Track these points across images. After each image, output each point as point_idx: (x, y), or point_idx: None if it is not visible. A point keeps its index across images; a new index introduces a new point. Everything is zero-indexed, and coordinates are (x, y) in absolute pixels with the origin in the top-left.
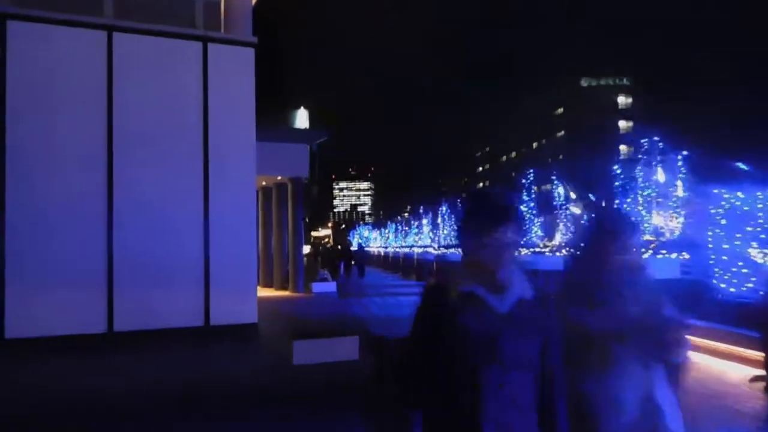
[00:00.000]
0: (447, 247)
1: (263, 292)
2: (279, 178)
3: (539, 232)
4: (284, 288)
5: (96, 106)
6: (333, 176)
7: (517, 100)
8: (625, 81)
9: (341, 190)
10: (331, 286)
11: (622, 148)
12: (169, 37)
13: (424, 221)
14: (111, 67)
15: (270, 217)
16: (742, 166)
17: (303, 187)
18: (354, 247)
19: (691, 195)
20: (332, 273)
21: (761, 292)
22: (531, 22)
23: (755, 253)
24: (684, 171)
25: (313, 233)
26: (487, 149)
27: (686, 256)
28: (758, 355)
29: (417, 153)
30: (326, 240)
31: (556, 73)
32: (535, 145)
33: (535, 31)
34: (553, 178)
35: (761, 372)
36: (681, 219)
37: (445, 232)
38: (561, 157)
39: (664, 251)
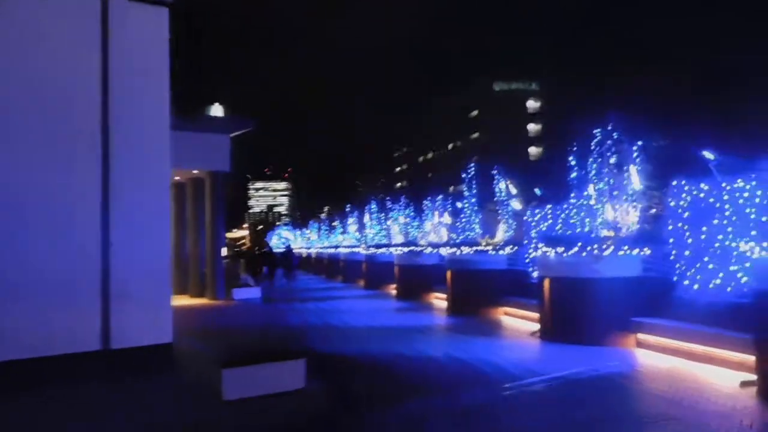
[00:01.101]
0: (377, 246)
1: (177, 300)
2: (195, 172)
3: (479, 230)
4: (201, 295)
5: None
6: (248, 176)
7: (434, 102)
8: (533, 86)
9: (257, 190)
10: (254, 292)
11: (531, 150)
12: None
13: (351, 220)
14: None
15: (184, 215)
16: (708, 154)
17: (223, 183)
18: (279, 249)
19: (648, 187)
20: (255, 278)
21: (746, 290)
22: (448, 26)
23: (744, 247)
24: (640, 162)
25: (228, 235)
26: (405, 150)
27: (647, 251)
28: (741, 357)
29: (335, 154)
30: (242, 242)
31: (470, 77)
32: (450, 146)
33: (451, 35)
34: (494, 173)
35: (749, 376)
36: (637, 213)
37: (375, 230)
38: (475, 158)
39: (626, 247)
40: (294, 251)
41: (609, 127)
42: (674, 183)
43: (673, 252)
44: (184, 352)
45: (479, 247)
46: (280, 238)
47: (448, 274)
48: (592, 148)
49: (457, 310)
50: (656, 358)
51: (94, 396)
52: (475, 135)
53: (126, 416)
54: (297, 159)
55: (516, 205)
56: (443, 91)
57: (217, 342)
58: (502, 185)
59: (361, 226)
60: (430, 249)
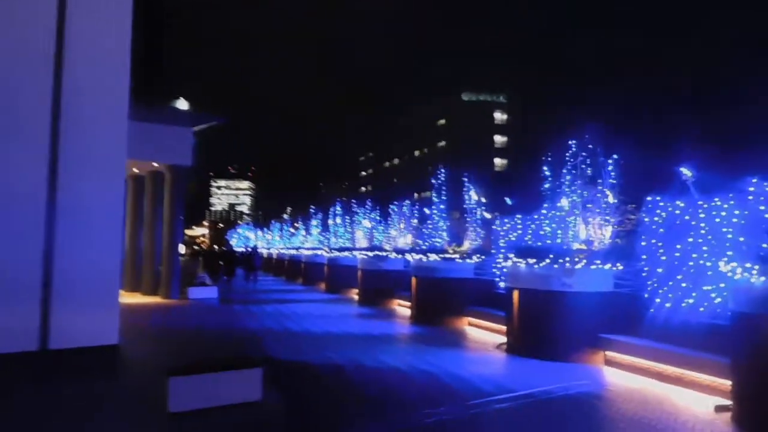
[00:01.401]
0: (340, 250)
1: (129, 298)
2: (155, 165)
3: (446, 237)
4: (155, 293)
5: None
6: (211, 173)
7: (403, 109)
8: (501, 98)
9: (219, 188)
10: (211, 292)
11: (497, 161)
12: None
13: (314, 222)
14: None
15: (141, 209)
16: (685, 171)
17: (184, 178)
18: (239, 248)
19: (622, 201)
20: (213, 277)
21: (719, 311)
22: (421, 36)
23: (725, 267)
24: (615, 175)
25: (188, 232)
26: (371, 155)
27: (620, 267)
28: (715, 381)
29: (300, 156)
30: (201, 239)
31: (441, 86)
32: (417, 153)
33: (422, 43)
34: (465, 179)
35: (724, 400)
36: (610, 227)
37: (339, 233)
38: (442, 167)
39: (598, 261)
40: (258, 252)
41: (584, 139)
42: (649, 198)
43: (646, 269)
44: (129, 355)
45: (446, 255)
46: (240, 238)
47: (413, 281)
48: (567, 159)
49: (421, 319)
50: (626, 377)
51: (19, 402)
52: (442, 143)
53: (54, 427)
54: (262, 159)
55: (485, 214)
56: (415, 99)
57: (167, 345)
58: (472, 194)
59: (325, 229)
60: (395, 254)
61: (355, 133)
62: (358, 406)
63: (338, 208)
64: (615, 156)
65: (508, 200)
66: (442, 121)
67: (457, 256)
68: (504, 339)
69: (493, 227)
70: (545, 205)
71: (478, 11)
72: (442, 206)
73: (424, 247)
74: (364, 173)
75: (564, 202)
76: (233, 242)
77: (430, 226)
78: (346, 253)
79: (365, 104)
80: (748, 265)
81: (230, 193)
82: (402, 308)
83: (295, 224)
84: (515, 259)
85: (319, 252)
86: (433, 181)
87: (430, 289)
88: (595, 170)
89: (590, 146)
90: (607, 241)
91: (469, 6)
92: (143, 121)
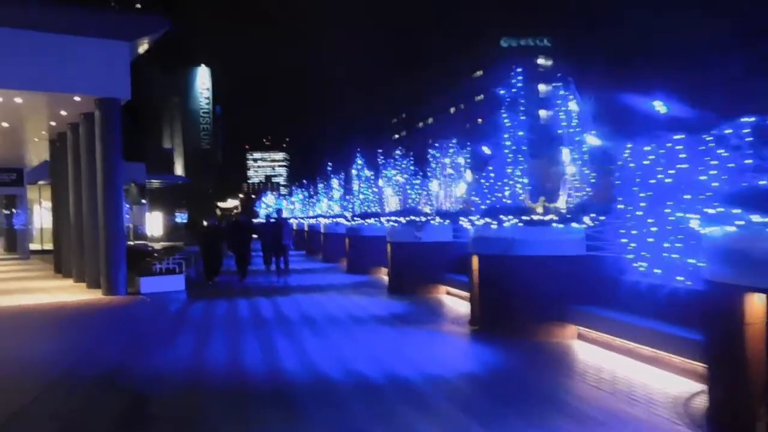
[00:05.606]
0: (363, 216)
1: (65, 295)
2: (77, 99)
3: (521, 189)
4: (99, 285)
5: None
6: (246, 146)
7: (435, 63)
8: (545, 42)
9: (255, 160)
10: (176, 283)
11: (542, 112)
12: None
13: (334, 183)
14: None
15: (78, 170)
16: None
17: (119, 116)
18: (259, 219)
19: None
20: (208, 265)
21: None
22: None
23: None
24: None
25: (221, 204)
26: (404, 116)
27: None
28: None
29: (332, 123)
30: (235, 211)
31: (475, 34)
32: (453, 109)
33: None
34: (566, 94)
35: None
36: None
37: (362, 197)
38: (480, 120)
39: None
40: (287, 221)
41: None
42: None
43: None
44: None
45: (533, 217)
46: (267, 207)
47: (474, 260)
48: None
49: (490, 327)
50: None
51: None
52: (480, 97)
53: None
54: (296, 129)
55: (593, 141)
56: (448, 51)
57: None
58: (572, 104)
59: (348, 191)
60: (438, 219)
61: (384, 94)
62: None
63: (359, 162)
64: None
65: (661, 105)
66: (479, 73)
67: (552, 217)
68: (692, 386)
69: (619, 163)
70: None
71: None
72: (520, 133)
73: (482, 207)
74: (396, 136)
75: None
76: (262, 211)
77: (493, 175)
78: (371, 221)
79: (392, 61)
80: None
81: (266, 165)
82: (453, 299)
83: (318, 187)
84: (755, 219)
85: (340, 220)
86: (501, 92)
87: (505, 275)
88: None
89: None
90: None
91: None
92: (48, 32)
